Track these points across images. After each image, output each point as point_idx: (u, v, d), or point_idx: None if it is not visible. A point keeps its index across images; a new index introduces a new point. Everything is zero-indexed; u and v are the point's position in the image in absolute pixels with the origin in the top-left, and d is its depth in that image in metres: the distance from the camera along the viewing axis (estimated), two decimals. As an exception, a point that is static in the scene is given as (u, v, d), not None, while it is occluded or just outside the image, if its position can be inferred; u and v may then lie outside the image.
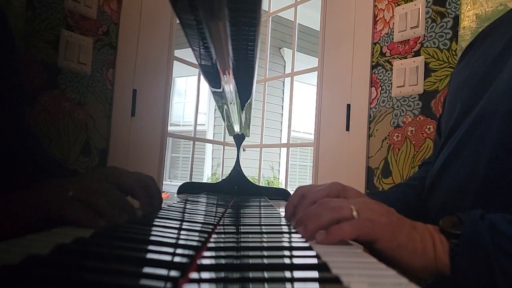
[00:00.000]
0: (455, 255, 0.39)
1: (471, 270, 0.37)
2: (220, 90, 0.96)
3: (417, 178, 0.77)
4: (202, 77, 1.00)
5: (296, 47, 1.89)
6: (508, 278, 0.36)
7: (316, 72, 1.56)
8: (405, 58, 1.26)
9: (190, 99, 6.35)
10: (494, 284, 0.36)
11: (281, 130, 5.79)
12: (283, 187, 1.71)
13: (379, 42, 1.35)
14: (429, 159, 0.80)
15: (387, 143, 1.29)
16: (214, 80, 0.82)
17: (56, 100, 1.16)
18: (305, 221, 0.44)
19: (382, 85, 1.33)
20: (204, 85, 1.30)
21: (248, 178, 1.23)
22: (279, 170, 5.78)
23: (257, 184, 1.33)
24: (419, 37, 1.23)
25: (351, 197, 0.57)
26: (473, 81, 0.60)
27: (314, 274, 0.27)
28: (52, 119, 1.15)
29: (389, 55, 1.31)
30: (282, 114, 5.85)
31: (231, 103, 1.05)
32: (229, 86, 0.91)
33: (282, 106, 5.85)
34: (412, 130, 1.22)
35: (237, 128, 1.21)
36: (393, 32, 1.30)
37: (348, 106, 1.40)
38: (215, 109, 5.47)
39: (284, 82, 5.77)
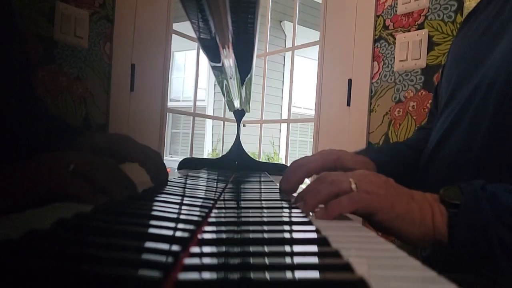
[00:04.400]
0: (453, 225, 0.39)
1: (469, 241, 0.38)
2: (220, 64, 0.94)
3: (413, 140, 0.77)
4: (201, 51, 0.99)
5: (297, 20, 1.85)
6: (506, 250, 0.36)
7: (318, 46, 1.54)
8: (409, 31, 1.24)
9: (189, 74, 6.29)
10: (491, 255, 0.36)
11: (281, 105, 5.77)
12: (283, 162, 1.71)
13: (382, 14, 1.32)
14: (421, 126, 0.80)
15: (388, 118, 1.28)
16: (213, 55, 0.81)
17: (53, 75, 1.14)
18: (305, 196, 0.44)
19: (384, 59, 1.31)
20: (204, 59, 1.28)
21: (248, 153, 1.23)
22: (279, 145, 5.79)
23: (257, 159, 1.33)
24: (423, 9, 1.20)
25: (347, 164, 0.58)
26: (471, 51, 0.59)
27: (314, 248, 0.27)
28: (50, 95, 1.14)
29: (392, 28, 1.29)
30: (282, 90, 5.81)
31: (231, 78, 1.04)
32: (228, 61, 0.90)
33: (283, 81, 5.80)
34: (413, 105, 1.22)
35: (237, 104, 1.20)
36: (396, 4, 1.27)
37: (350, 81, 1.38)
38: (215, 85, 5.43)
39: (284, 56, 5.70)
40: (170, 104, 1.54)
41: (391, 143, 0.82)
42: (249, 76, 1.00)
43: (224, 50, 0.72)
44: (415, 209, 0.41)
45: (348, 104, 1.39)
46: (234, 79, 1.01)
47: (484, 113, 0.51)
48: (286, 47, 5.40)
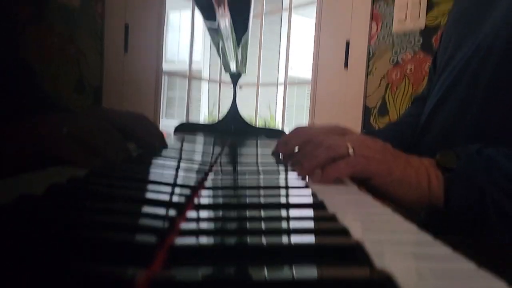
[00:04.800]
0: (449, 189, 0.39)
1: (464, 204, 0.38)
2: (216, 24, 0.92)
3: (412, 115, 0.76)
4: (196, 10, 0.95)
5: (295, -21, 1.79)
6: (501, 213, 0.36)
7: (315, 4, 1.49)
8: (409, -9, 1.20)
9: (184, 34, 6.15)
10: (486, 219, 0.37)
11: (278, 68, 5.69)
12: (280, 126, 1.71)
13: (382, -27, 1.27)
14: (421, 95, 0.79)
15: (386, 81, 1.26)
16: (209, 14, 0.78)
17: (45, 35, 1.11)
18: (302, 160, 0.44)
19: (383, 19, 1.27)
20: (199, 19, 1.24)
21: (245, 117, 1.23)
22: (275, 109, 5.76)
23: (253, 124, 1.33)
24: (425, -33, 1.16)
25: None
26: (471, 12, 0.58)
27: (311, 212, 0.27)
28: (41, 56, 1.11)
29: (393, -13, 1.25)
30: (279, 52, 5.71)
31: (227, 39, 1.02)
32: (224, 21, 0.87)
33: (280, 43, 5.69)
34: (411, 68, 1.20)
35: (233, 66, 1.18)
36: (398, -38, 1.23)
37: (347, 42, 1.35)
38: (210, 46, 5.32)
39: (281, 17, 5.56)
40: (165, 66, 1.51)
41: (393, 124, 0.80)
42: (245, 36, 0.97)
43: (219, 8, 0.69)
44: (411, 174, 0.41)
45: (346, 66, 1.37)
46: (230, 40, 0.99)
47: (482, 76, 0.50)
48: (283, 6, 5.25)
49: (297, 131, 0.58)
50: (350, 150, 0.41)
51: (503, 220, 0.36)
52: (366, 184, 0.42)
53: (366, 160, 0.41)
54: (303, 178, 0.41)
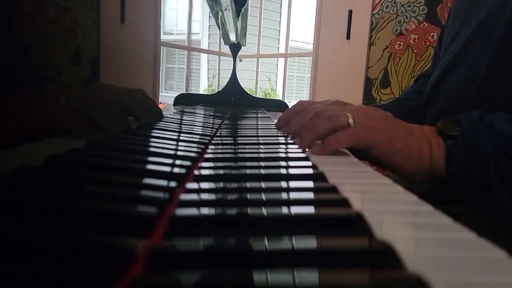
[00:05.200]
0: (451, 156, 0.39)
1: (466, 171, 0.37)
2: (214, -6, 0.89)
3: (414, 92, 0.75)
4: (194, -21, 0.93)
5: None
6: (502, 177, 0.36)
7: (317, -26, 1.45)
8: (415, -43, 1.16)
9: (182, 5, 6.01)
10: (488, 185, 0.36)
11: (278, 39, 5.59)
12: (281, 98, 1.69)
13: None
14: (426, 72, 0.78)
15: (388, 52, 1.24)
16: (207, -18, 0.76)
17: (39, 5, 1.08)
18: (302, 132, 0.43)
19: (387, -12, 1.24)
20: (197, -12, 1.21)
21: (245, 89, 1.21)
22: (276, 81, 5.70)
23: (254, 95, 1.31)
24: None
25: None
26: None
27: (311, 184, 0.27)
28: (37, 26, 1.09)
29: (397, -46, 1.20)
30: (280, 22, 5.60)
31: (226, 10, 0.99)
32: (223, -10, 0.85)
33: (280, 13, 5.57)
34: (415, 38, 1.18)
35: (233, 37, 1.15)
36: None
37: (350, 12, 1.32)
38: (209, 17, 5.21)
39: (282, -14, 5.42)
40: (163, 37, 1.49)
41: (396, 99, 0.78)
42: (245, 6, 0.95)
43: (218, -23, 0.67)
44: (412, 143, 0.41)
45: (348, 37, 1.34)
46: (229, 11, 0.96)
47: (487, 50, 0.50)
48: (284, -25, 5.10)
49: (300, 104, 0.58)
50: (351, 121, 0.41)
51: (505, 184, 0.36)
52: (367, 154, 0.42)
53: (366, 130, 0.40)
54: (304, 150, 0.41)
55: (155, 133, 0.45)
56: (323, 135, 0.41)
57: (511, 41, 0.48)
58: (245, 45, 1.20)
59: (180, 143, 0.40)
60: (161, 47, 1.43)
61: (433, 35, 1.14)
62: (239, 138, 0.48)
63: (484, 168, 0.36)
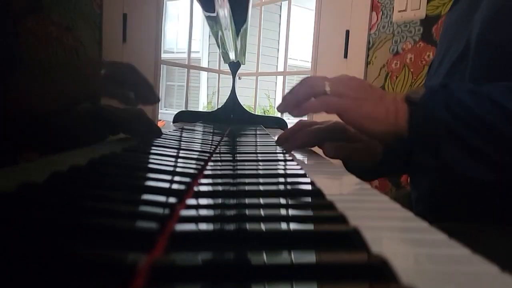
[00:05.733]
0: (410, 120, 0.42)
1: (422, 133, 0.41)
2: (214, 14, 0.91)
3: None
4: (195, 0, 0.95)
5: (294, -33, 1.77)
6: (452, 137, 0.39)
7: (315, -5, 1.48)
8: (410, -21, 1.19)
9: (183, 24, 6.10)
10: (438, 143, 0.40)
11: (277, 57, 5.65)
12: (279, 116, 1.71)
13: (383, -39, 1.26)
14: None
15: (385, 71, 1.26)
16: (207, 3, 0.78)
17: (42, 25, 1.10)
18: (285, 96, 0.48)
19: (383, 9, 1.27)
20: (198, 9, 1.23)
21: (244, 106, 1.22)
22: (275, 98, 5.74)
23: (253, 112, 1.32)
24: (426, -44, 1.15)
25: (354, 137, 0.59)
26: (457, 20, 0.59)
27: (309, 200, 0.27)
28: (40, 45, 1.10)
29: (393, -24, 1.23)
30: (278, 41, 5.67)
31: (225, 29, 1.01)
32: (223, 10, 0.86)
33: (279, 32, 5.65)
34: (411, 58, 1.20)
35: (232, 56, 1.17)
36: (398, -50, 1.21)
37: (347, 32, 1.35)
38: (209, 36, 5.28)
39: (281, 6, 5.51)
40: (164, 55, 1.51)
41: None
42: (244, 26, 0.97)
43: (218, -2, 0.69)
44: (380, 109, 0.44)
45: (345, 56, 1.36)
46: (229, 30, 0.98)
47: (465, 80, 0.51)
48: (283, -4, 5.20)
49: (299, 124, 0.61)
50: (327, 89, 0.45)
51: (455, 145, 0.39)
52: (341, 118, 0.46)
53: (339, 98, 0.45)
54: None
55: (155, 150, 0.45)
56: (302, 100, 0.46)
57: (480, 70, 0.49)
58: (244, 64, 1.22)
59: (180, 160, 0.41)
60: (162, 65, 1.44)
61: (429, 55, 1.15)
62: (238, 155, 0.48)
63: (436, 129, 0.40)
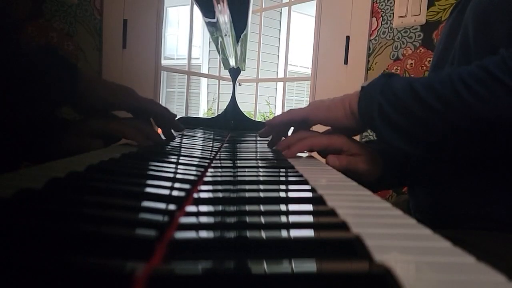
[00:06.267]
0: (359, 101, 0.51)
1: (365, 113, 0.49)
2: (214, 20, 0.91)
3: None
4: (195, 6, 0.95)
5: (294, -26, 1.78)
6: (384, 117, 0.47)
7: (315, 1, 1.49)
8: (409, -14, 1.19)
9: (183, 31, 6.12)
10: (374, 121, 0.48)
11: (277, 64, 5.67)
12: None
13: (382, -32, 1.26)
14: None
15: (386, 77, 1.26)
16: (208, 10, 0.78)
17: (43, 31, 1.10)
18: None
19: (383, 15, 1.27)
20: (198, 15, 1.23)
21: (244, 113, 1.22)
22: (275, 105, 5.75)
23: (253, 119, 1.32)
24: (426, -38, 1.15)
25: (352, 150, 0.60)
26: (448, 30, 0.62)
27: (310, 207, 0.27)
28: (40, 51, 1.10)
29: (393, -18, 1.24)
30: (279, 47, 5.69)
31: (226, 35, 1.01)
32: (223, 17, 0.87)
33: (279, 38, 5.67)
34: (411, 63, 1.20)
35: (232, 62, 1.17)
36: (398, -43, 1.22)
37: (347, 38, 1.35)
38: (209, 42, 5.30)
39: (281, 12, 5.54)
40: (164, 62, 1.51)
41: None
42: (244, 32, 0.97)
43: (218, 4, 0.69)
44: (336, 101, 0.54)
45: (346, 62, 1.36)
46: (229, 36, 0.98)
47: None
48: (283, 1, 5.23)
49: (300, 133, 0.61)
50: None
51: (386, 122, 0.47)
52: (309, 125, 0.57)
53: (309, 110, 0.57)
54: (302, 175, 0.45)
55: (155, 156, 0.45)
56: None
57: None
58: (244, 70, 1.22)
59: (179, 166, 0.40)
60: (162, 71, 1.45)
61: (429, 60, 1.16)
62: (238, 161, 0.48)
63: (372, 109, 0.48)
